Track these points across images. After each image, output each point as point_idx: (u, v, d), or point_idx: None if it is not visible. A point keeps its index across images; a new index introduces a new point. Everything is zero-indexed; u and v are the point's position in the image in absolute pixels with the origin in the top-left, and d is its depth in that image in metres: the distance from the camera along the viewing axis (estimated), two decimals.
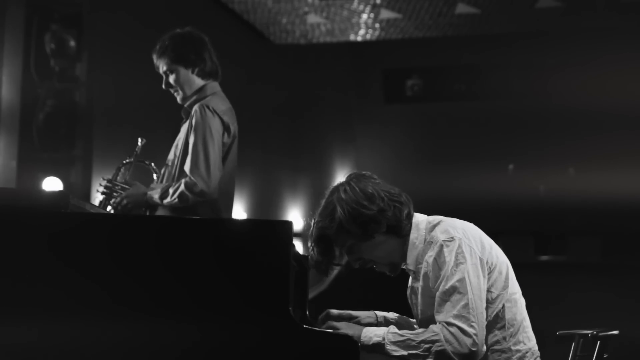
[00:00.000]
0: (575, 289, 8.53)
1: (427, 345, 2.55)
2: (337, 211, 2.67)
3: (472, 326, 2.54)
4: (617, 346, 3.09)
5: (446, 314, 2.57)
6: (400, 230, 2.72)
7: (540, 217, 9.56)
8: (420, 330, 2.62)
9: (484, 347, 2.59)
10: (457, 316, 2.55)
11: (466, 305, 2.55)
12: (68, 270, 2.56)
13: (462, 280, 2.58)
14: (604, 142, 9.31)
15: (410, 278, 2.82)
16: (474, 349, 2.53)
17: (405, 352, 2.57)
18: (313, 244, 2.73)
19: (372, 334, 2.61)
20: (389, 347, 2.58)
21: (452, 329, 2.54)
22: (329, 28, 9.04)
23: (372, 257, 2.76)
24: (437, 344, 2.54)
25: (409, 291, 2.83)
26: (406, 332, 2.61)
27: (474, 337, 2.54)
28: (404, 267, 2.79)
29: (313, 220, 2.74)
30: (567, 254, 9.53)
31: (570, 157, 9.66)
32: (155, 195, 3.69)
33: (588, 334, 2.91)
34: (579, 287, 8.52)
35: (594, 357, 2.94)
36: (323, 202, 2.73)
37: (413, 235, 2.73)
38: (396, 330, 2.63)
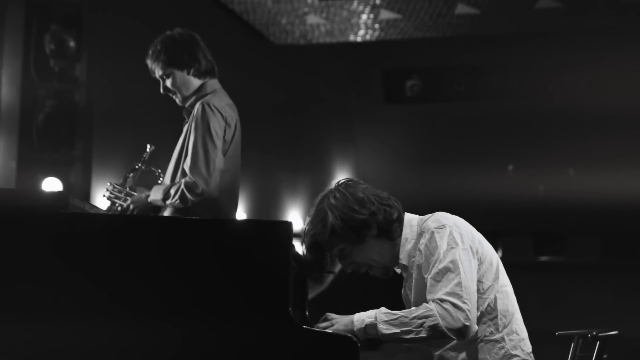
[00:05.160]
0: (574, 289, 8.54)
1: (420, 321, 2.57)
2: (329, 217, 2.70)
3: (465, 302, 2.57)
4: (617, 346, 3.10)
5: (439, 292, 2.59)
6: (391, 233, 2.76)
7: (539, 217, 9.56)
8: (413, 308, 2.64)
9: (476, 327, 2.61)
10: (450, 293, 2.57)
11: (459, 284, 2.58)
12: (68, 271, 2.57)
13: (454, 261, 2.61)
14: (603, 142, 9.31)
15: (403, 278, 2.84)
16: (467, 324, 2.55)
17: (397, 330, 2.58)
18: (306, 252, 2.76)
19: (363, 317, 2.63)
20: (381, 326, 2.59)
21: (446, 305, 2.56)
22: (329, 29, 9.04)
23: (365, 261, 2.79)
24: (431, 319, 2.56)
25: (403, 290, 2.85)
26: (398, 311, 2.63)
27: (467, 312, 2.56)
28: (396, 268, 2.82)
29: (305, 229, 2.76)
30: (567, 254, 9.54)
31: (569, 157, 9.66)
32: (159, 196, 3.69)
33: (587, 334, 2.92)
34: (578, 288, 8.53)
35: (594, 358, 2.94)
36: (313, 210, 2.76)
37: (406, 231, 2.77)
38: (388, 310, 2.65)
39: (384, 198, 2.76)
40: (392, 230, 2.75)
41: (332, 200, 2.72)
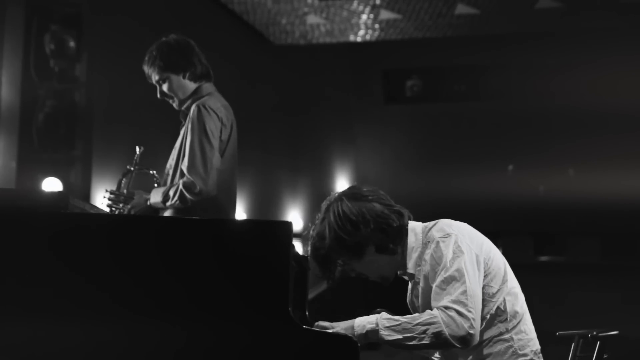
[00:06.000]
0: (574, 289, 8.54)
1: (423, 328, 2.56)
2: (326, 234, 2.74)
3: (469, 311, 2.56)
4: (617, 346, 3.10)
5: (444, 300, 2.58)
6: (390, 250, 2.76)
7: (539, 217, 9.56)
8: (416, 315, 2.63)
9: (478, 337, 2.61)
10: (455, 301, 2.57)
11: (464, 292, 2.58)
12: (68, 271, 2.56)
13: (459, 270, 2.61)
14: (603, 142, 9.31)
15: (410, 284, 2.84)
16: (471, 332, 2.55)
17: (400, 336, 2.57)
18: (311, 259, 2.80)
19: (364, 322, 2.62)
20: (383, 332, 2.59)
21: (450, 312, 2.56)
22: (329, 29, 9.04)
23: (364, 272, 2.81)
24: (434, 325, 2.55)
25: (409, 297, 2.84)
26: (400, 317, 2.62)
27: (472, 320, 2.55)
28: (400, 274, 2.83)
29: (310, 234, 2.80)
30: (567, 254, 9.54)
31: (569, 157, 9.67)
32: (158, 199, 3.71)
33: (588, 334, 2.92)
34: (578, 288, 8.53)
35: (594, 358, 2.94)
36: (319, 218, 2.79)
37: (411, 239, 2.77)
38: (389, 315, 2.64)
39: (385, 215, 2.74)
40: (389, 248, 2.76)
41: (332, 217, 2.74)
